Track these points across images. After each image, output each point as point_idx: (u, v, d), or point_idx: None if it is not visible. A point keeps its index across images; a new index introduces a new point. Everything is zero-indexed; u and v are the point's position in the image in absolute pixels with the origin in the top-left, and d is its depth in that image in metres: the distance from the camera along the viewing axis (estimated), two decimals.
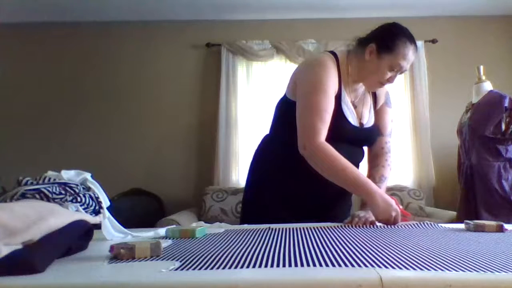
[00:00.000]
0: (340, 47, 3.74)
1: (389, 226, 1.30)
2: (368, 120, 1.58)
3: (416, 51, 1.48)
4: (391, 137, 1.68)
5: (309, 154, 1.41)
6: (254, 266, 0.71)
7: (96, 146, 3.95)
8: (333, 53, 1.53)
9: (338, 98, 1.47)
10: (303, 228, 1.20)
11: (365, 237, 1.03)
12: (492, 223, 1.19)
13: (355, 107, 1.54)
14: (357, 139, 1.54)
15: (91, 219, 0.94)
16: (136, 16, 3.95)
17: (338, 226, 1.28)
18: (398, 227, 1.29)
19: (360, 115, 1.56)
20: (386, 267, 0.69)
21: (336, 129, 1.43)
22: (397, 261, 0.73)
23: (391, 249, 0.86)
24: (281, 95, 1.63)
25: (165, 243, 0.96)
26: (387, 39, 1.45)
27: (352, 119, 1.50)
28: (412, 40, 1.46)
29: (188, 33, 4.04)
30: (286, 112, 1.55)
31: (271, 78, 3.93)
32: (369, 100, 1.61)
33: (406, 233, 1.13)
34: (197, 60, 4.04)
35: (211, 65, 4.00)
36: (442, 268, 0.67)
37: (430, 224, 1.33)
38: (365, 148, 1.64)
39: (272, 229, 1.19)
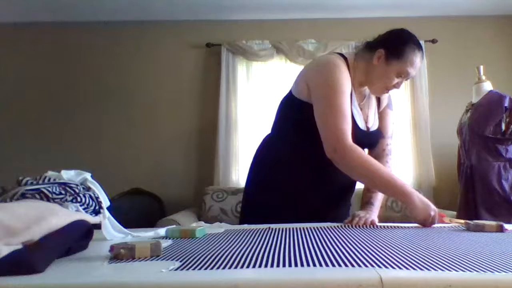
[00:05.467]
0: (340, 46, 3.75)
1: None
2: (373, 123, 1.58)
3: (423, 58, 1.49)
4: (392, 139, 1.68)
5: (340, 157, 1.38)
6: (254, 266, 0.71)
7: (96, 146, 3.94)
8: (342, 55, 1.52)
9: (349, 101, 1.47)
10: (303, 228, 1.20)
11: (365, 237, 1.03)
12: (492, 223, 1.19)
13: (360, 109, 1.54)
14: (362, 142, 1.53)
15: (91, 219, 0.94)
16: (135, 16, 3.95)
17: (338, 226, 1.28)
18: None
19: (366, 118, 1.55)
20: (386, 267, 0.69)
21: None
22: (397, 261, 0.73)
23: (391, 249, 0.86)
24: (282, 94, 1.61)
25: (165, 243, 0.96)
26: (396, 46, 1.45)
27: (360, 122, 1.50)
28: (420, 47, 1.46)
29: (188, 33, 4.03)
30: (291, 111, 1.54)
31: (271, 78, 3.92)
32: (373, 102, 1.61)
33: (406, 233, 1.13)
34: (197, 60, 4.03)
35: (211, 65, 3.99)
36: (442, 268, 0.67)
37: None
38: (365, 150, 1.63)
39: (272, 229, 1.19)
